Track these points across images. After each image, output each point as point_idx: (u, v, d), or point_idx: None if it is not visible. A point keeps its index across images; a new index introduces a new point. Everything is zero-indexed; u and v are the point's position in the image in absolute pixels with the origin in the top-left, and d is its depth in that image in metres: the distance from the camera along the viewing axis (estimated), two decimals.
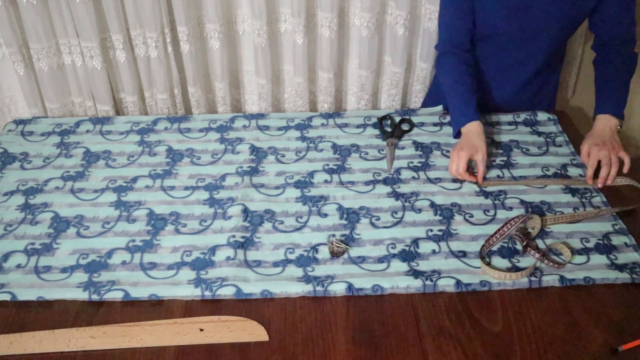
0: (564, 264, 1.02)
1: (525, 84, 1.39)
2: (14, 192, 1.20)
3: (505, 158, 1.28)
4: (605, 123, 1.25)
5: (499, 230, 1.07)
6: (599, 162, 1.20)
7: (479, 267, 1.02)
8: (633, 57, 1.31)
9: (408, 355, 0.89)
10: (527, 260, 1.03)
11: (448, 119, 1.39)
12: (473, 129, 1.22)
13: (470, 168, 1.22)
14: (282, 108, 1.67)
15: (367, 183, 1.21)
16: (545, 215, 1.11)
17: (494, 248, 1.06)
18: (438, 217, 1.13)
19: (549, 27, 1.26)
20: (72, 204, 1.17)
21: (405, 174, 1.24)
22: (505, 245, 1.07)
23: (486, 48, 1.33)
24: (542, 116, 1.40)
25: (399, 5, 1.44)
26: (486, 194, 1.18)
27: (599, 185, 1.19)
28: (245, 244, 1.07)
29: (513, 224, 1.07)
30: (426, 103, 1.57)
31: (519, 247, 1.06)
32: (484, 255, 1.05)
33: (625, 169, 1.20)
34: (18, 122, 1.42)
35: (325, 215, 1.14)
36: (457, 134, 1.28)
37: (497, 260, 1.04)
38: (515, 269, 1.02)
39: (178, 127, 1.39)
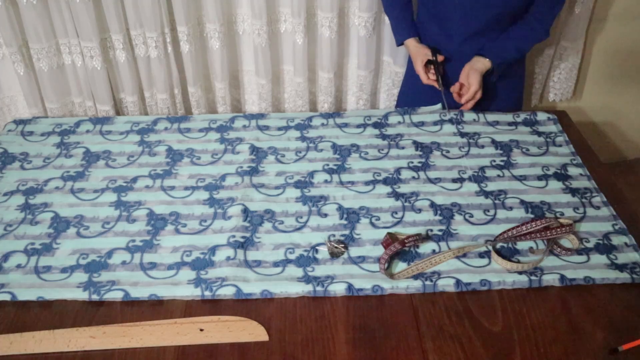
0: (573, 250, 1.04)
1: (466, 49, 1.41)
2: (14, 192, 1.20)
3: (505, 158, 1.28)
4: (477, 60, 1.36)
5: (522, 225, 1.08)
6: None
7: (479, 267, 1.02)
8: (541, 34, 1.36)
9: (408, 355, 0.89)
10: (529, 259, 1.03)
11: (448, 116, 1.39)
12: (411, 43, 1.42)
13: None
14: (282, 108, 1.67)
15: (367, 183, 1.21)
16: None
17: (497, 246, 1.06)
18: (438, 217, 1.13)
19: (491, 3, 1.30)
20: (72, 204, 1.17)
21: (405, 174, 1.24)
22: (506, 245, 1.07)
23: (431, 23, 1.41)
24: (542, 116, 1.40)
25: None
26: (486, 194, 1.18)
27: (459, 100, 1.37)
28: (245, 244, 1.07)
29: (538, 225, 1.08)
30: (400, 101, 1.59)
31: (519, 247, 1.06)
32: (495, 246, 1.06)
33: (466, 105, 1.37)
34: (18, 122, 1.42)
35: (325, 215, 1.14)
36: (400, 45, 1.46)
37: (498, 260, 1.04)
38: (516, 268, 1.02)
39: (178, 127, 1.39)
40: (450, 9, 1.33)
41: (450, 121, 1.39)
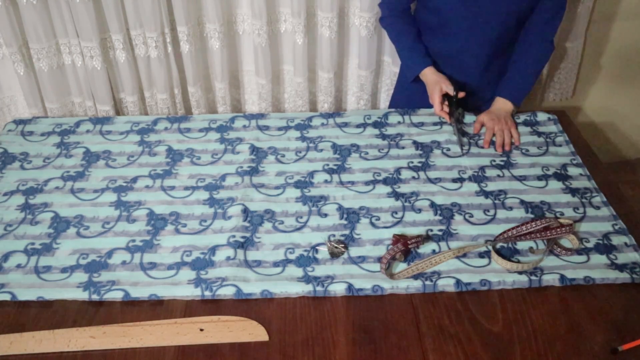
0: (573, 250, 1.04)
1: (476, 76, 1.40)
2: (14, 192, 1.20)
3: (505, 158, 1.28)
4: (501, 105, 1.36)
5: (523, 225, 1.08)
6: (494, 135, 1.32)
7: (479, 267, 1.02)
8: (549, 49, 1.36)
9: (408, 355, 0.89)
10: (529, 260, 1.03)
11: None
12: (430, 71, 1.36)
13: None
14: (282, 108, 1.67)
15: (367, 183, 1.21)
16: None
17: (497, 246, 1.06)
18: (438, 217, 1.13)
19: (493, 18, 1.29)
20: (72, 204, 1.17)
21: (405, 174, 1.24)
22: (506, 245, 1.07)
23: (435, 37, 1.38)
24: (542, 116, 1.40)
25: None
26: (486, 194, 1.18)
27: (499, 150, 1.30)
28: (245, 244, 1.07)
29: (538, 225, 1.08)
30: (395, 100, 1.58)
31: (519, 247, 1.06)
32: (495, 246, 1.06)
33: (516, 142, 1.32)
34: (18, 122, 1.41)
35: (325, 215, 1.14)
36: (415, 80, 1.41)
37: (498, 260, 1.04)
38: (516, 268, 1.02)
39: (178, 127, 1.39)
40: (455, 23, 1.31)
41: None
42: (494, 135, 1.32)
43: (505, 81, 1.37)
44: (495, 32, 1.31)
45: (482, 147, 1.31)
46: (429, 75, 1.35)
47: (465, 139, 1.32)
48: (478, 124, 1.35)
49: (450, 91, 1.31)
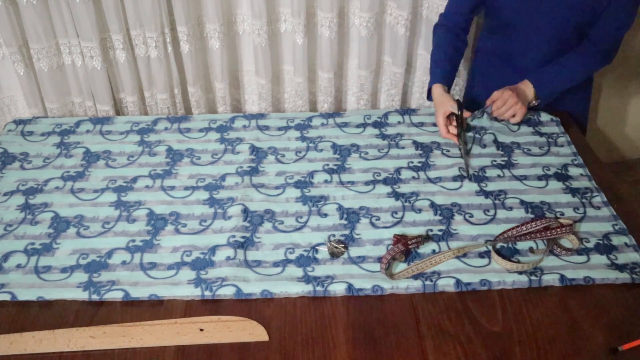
0: (573, 250, 1.04)
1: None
2: (14, 192, 1.20)
3: (506, 158, 1.28)
4: (524, 87, 1.32)
5: (523, 225, 1.08)
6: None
7: (479, 267, 1.02)
8: (600, 59, 1.32)
9: (408, 355, 0.89)
10: (529, 260, 1.03)
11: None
12: (436, 91, 1.34)
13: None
14: (282, 108, 1.67)
15: (367, 183, 1.21)
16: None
17: (497, 246, 1.06)
18: (438, 217, 1.13)
19: (553, 21, 1.28)
20: (72, 204, 1.17)
21: (405, 174, 1.24)
22: (506, 245, 1.07)
23: (495, 36, 1.38)
24: (545, 117, 1.40)
25: (400, 6, 1.44)
26: (486, 194, 1.18)
27: (494, 113, 1.30)
28: (245, 244, 1.07)
29: (538, 225, 1.08)
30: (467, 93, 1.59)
31: (519, 247, 1.06)
32: (495, 246, 1.06)
33: (512, 120, 1.32)
34: (18, 122, 1.42)
35: (325, 215, 1.14)
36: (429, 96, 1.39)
37: (498, 260, 1.04)
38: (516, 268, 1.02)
39: (178, 127, 1.39)
40: (515, 23, 1.31)
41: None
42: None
43: (541, 70, 1.34)
44: (554, 35, 1.30)
45: (484, 147, 1.30)
46: (435, 95, 1.34)
47: (470, 161, 1.27)
48: (497, 92, 1.31)
49: (455, 110, 1.29)
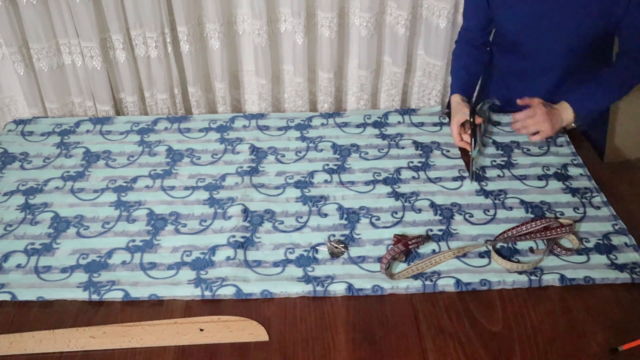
0: (573, 250, 1.04)
1: (551, 94, 1.32)
2: (14, 192, 1.20)
3: (506, 158, 1.28)
4: (561, 109, 1.24)
5: (523, 225, 1.08)
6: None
7: (479, 267, 1.02)
8: (636, 75, 1.24)
9: (408, 355, 0.89)
10: (529, 260, 1.03)
11: (447, 119, 1.39)
12: (453, 100, 1.35)
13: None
14: (282, 108, 1.67)
15: (367, 183, 1.21)
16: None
17: (497, 246, 1.06)
18: (438, 217, 1.13)
19: (562, 38, 1.24)
20: (72, 204, 1.17)
21: (405, 174, 1.24)
22: (506, 245, 1.07)
23: (507, 55, 1.36)
24: None
25: (400, 5, 1.44)
26: (486, 194, 1.18)
27: (513, 126, 1.27)
28: (245, 244, 1.07)
29: (537, 225, 1.07)
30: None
31: (519, 247, 1.06)
32: (495, 245, 1.06)
33: (533, 137, 1.25)
34: (18, 122, 1.42)
35: (325, 215, 1.14)
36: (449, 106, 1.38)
37: (498, 260, 1.04)
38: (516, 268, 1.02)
39: (178, 127, 1.39)
40: (523, 41, 1.29)
41: (450, 123, 1.39)
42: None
43: (579, 90, 1.25)
44: (567, 54, 1.26)
45: (484, 147, 1.30)
46: (452, 104, 1.34)
47: (475, 169, 1.24)
48: (527, 103, 1.26)
49: (467, 116, 1.26)
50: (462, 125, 1.28)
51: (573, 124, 1.26)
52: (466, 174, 1.23)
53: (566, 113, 1.23)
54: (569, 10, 1.21)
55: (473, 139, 1.23)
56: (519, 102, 1.28)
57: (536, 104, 1.24)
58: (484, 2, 1.31)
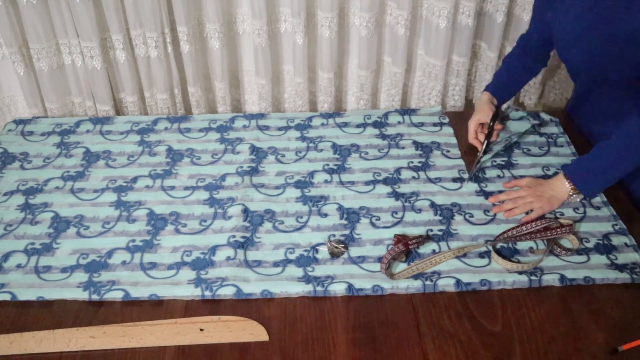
0: (573, 250, 1.04)
1: (609, 127, 1.13)
2: (14, 192, 1.20)
3: (506, 158, 1.28)
4: (556, 183, 1.12)
5: (522, 225, 1.07)
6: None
7: (479, 267, 1.02)
8: None
9: (408, 355, 0.89)
10: (529, 259, 1.03)
11: (447, 119, 1.40)
12: (482, 97, 1.32)
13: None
14: (282, 108, 1.67)
15: (367, 183, 1.21)
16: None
17: (497, 246, 1.06)
18: (438, 217, 1.13)
19: (610, 71, 1.09)
20: (72, 204, 1.17)
21: (405, 174, 1.24)
22: (506, 245, 1.07)
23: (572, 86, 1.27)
24: (544, 117, 1.40)
25: (400, 5, 1.44)
26: (486, 194, 1.18)
27: (502, 213, 1.13)
28: (245, 244, 1.07)
29: (538, 225, 1.07)
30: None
31: (519, 247, 1.06)
32: (494, 246, 1.06)
33: (525, 216, 1.12)
34: (18, 122, 1.42)
35: (325, 215, 1.14)
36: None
37: (498, 260, 1.04)
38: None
39: (178, 127, 1.39)
40: (577, 73, 1.21)
41: (450, 123, 1.39)
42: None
43: (583, 157, 1.12)
44: (614, 86, 1.11)
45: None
46: (480, 100, 1.31)
47: (476, 172, 1.23)
48: (512, 184, 1.18)
49: (487, 119, 1.25)
50: (481, 124, 1.28)
51: (576, 199, 1.13)
52: (466, 174, 1.23)
53: (561, 187, 1.11)
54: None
55: (486, 142, 1.23)
56: (504, 185, 1.19)
57: (523, 185, 1.16)
58: (545, 13, 1.18)
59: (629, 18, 0.98)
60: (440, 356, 0.89)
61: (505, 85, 1.34)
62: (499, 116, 1.28)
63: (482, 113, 1.27)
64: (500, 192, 1.18)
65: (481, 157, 1.23)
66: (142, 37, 1.43)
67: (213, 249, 1.06)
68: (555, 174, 1.21)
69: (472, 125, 1.28)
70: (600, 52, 1.06)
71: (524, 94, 1.68)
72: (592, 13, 1.04)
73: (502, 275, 1.00)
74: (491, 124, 1.24)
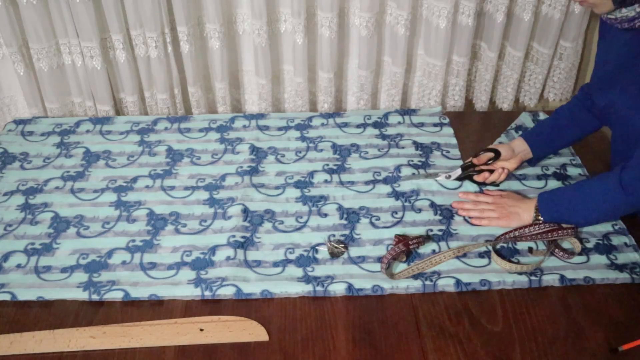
0: (574, 254, 1.04)
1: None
2: (14, 192, 1.20)
3: None
4: (525, 206, 1.10)
5: (525, 227, 1.06)
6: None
7: (479, 267, 1.02)
8: (615, 191, 0.99)
9: (408, 355, 0.89)
10: (529, 260, 1.03)
11: (447, 119, 1.40)
12: (517, 139, 1.23)
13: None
14: (282, 108, 1.67)
15: (367, 183, 1.21)
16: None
17: (497, 246, 1.06)
18: (438, 217, 1.13)
19: (623, 116, 1.03)
20: (72, 204, 1.17)
21: (405, 173, 1.24)
22: (506, 245, 1.07)
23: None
24: (543, 117, 1.40)
25: (400, 5, 1.44)
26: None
27: (460, 213, 1.14)
28: (245, 244, 1.07)
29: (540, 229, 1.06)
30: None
31: (519, 247, 1.06)
32: (495, 246, 1.06)
33: (478, 221, 1.11)
34: (18, 122, 1.42)
35: (325, 215, 1.14)
36: None
37: (498, 261, 1.04)
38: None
39: (178, 127, 1.39)
40: (602, 117, 1.15)
41: (450, 123, 1.39)
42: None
43: (557, 190, 1.09)
44: (630, 133, 1.03)
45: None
46: (513, 140, 1.24)
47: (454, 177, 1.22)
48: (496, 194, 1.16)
49: (492, 155, 1.20)
50: (487, 150, 1.22)
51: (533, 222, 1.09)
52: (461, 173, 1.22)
53: (527, 212, 1.09)
54: None
55: (461, 170, 1.21)
56: (485, 191, 1.19)
57: (502, 194, 1.16)
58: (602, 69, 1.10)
59: None
60: (440, 356, 0.89)
61: (543, 134, 1.22)
62: (499, 153, 1.21)
63: (503, 149, 1.20)
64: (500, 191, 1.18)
65: (459, 175, 1.21)
66: (142, 37, 1.43)
67: (213, 249, 1.06)
68: (553, 175, 1.21)
69: (484, 153, 1.21)
70: None
71: (524, 94, 1.67)
72: None
73: (502, 275, 1.00)
74: (489, 162, 1.20)
